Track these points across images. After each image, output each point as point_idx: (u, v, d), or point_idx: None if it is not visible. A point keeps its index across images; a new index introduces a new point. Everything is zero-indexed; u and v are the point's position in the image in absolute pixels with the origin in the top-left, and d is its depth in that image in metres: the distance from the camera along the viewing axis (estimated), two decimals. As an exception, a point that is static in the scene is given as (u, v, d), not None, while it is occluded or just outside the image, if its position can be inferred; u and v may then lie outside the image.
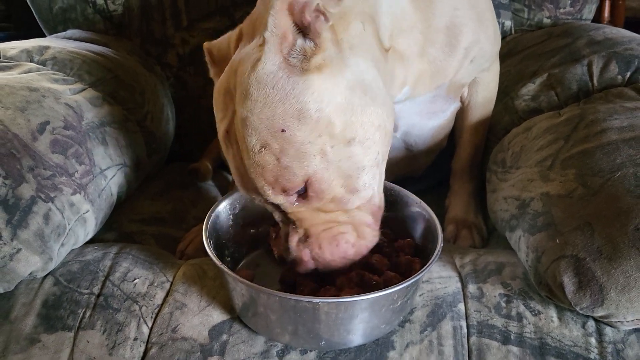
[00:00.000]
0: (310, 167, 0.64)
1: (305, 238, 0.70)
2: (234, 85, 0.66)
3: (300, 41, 0.63)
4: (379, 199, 0.73)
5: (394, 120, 0.74)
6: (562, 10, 1.27)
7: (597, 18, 2.16)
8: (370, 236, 0.72)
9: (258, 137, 0.63)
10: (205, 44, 0.79)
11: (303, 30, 0.63)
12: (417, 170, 1.09)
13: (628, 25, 1.57)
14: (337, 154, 0.65)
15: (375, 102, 0.68)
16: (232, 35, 0.76)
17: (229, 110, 0.67)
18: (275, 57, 0.63)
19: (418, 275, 0.65)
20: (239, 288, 0.67)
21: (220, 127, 0.69)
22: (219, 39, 0.79)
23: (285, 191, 0.66)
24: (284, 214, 0.71)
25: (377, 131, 0.68)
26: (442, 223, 0.91)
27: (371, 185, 0.70)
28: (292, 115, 0.63)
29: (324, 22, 0.63)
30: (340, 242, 0.70)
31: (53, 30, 1.33)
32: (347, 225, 0.70)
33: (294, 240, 0.71)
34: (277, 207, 0.70)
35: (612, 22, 2.24)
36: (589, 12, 1.29)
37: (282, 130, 0.63)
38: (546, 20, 1.28)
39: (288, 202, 0.68)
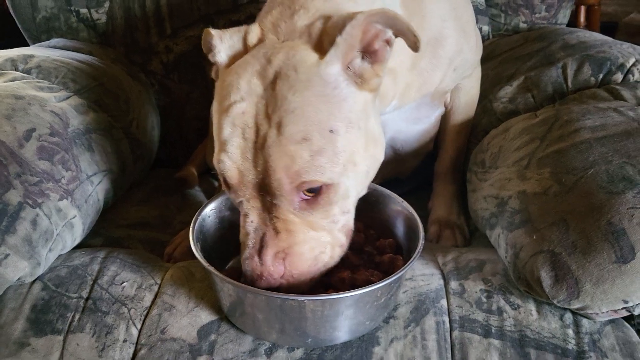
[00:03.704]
0: (335, 174, 0.66)
1: (285, 255, 0.68)
2: (273, 73, 0.66)
3: (358, 60, 0.68)
4: (352, 222, 0.74)
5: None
6: (537, 15, 1.31)
7: (574, 23, 2.20)
8: (338, 257, 0.72)
9: (304, 128, 0.63)
10: (212, 30, 0.73)
11: (364, 52, 0.68)
12: (404, 172, 1.12)
13: (604, 30, 1.61)
14: (356, 173, 0.68)
15: (383, 140, 0.74)
16: (248, 30, 0.73)
17: (252, 94, 0.66)
18: (338, 62, 0.66)
19: (400, 272, 0.67)
20: (226, 288, 0.68)
21: (234, 107, 0.66)
22: (226, 30, 0.74)
23: (300, 186, 0.65)
24: (269, 219, 0.68)
25: (376, 165, 0.73)
26: (425, 224, 0.93)
27: (352, 211, 0.73)
28: (343, 121, 0.66)
29: (390, 51, 0.68)
30: (319, 264, 0.70)
31: (36, 40, 1.34)
32: (327, 246, 0.71)
33: (269, 253, 0.68)
34: (267, 208, 0.68)
35: (588, 26, 2.30)
36: (563, 16, 1.33)
37: (331, 131, 0.65)
38: (522, 25, 1.31)
39: (292, 204, 0.67)
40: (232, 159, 0.67)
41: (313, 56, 0.67)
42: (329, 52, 0.66)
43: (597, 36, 1.13)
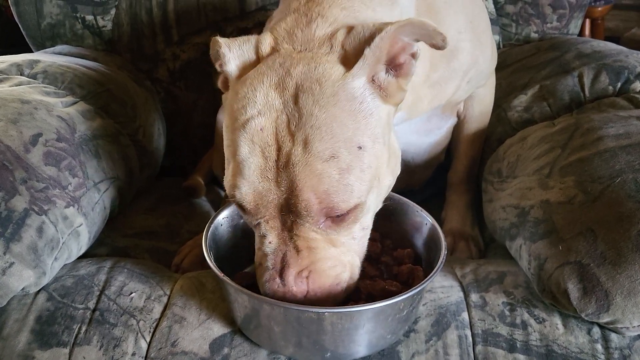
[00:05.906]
0: (363, 193, 0.63)
1: (308, 273, 0.65)
2: (294, 86, 0.63)
3: (383, 73, 0.65)
4: (368, 235, 0.71)
5: None
6: (549, 25, 1.29)
7: (579, 36, 2.20)
8: (356, 277, 0.69)
9: (332, 145, 0.60)
10: (220, 39, 0.70)
11: (388, 65, 0.65)
12: (415, 184, 1.10)
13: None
14: (379, 188, 0.66)
15: (400, 152, 0.72)
16: (260, 39, 0.70)
17: (270, 108, 0.63)
18: (364, 75, 0.64)
19: (425, 282, 0.64)
20: (241, 299, 0.65)
21: (251, 123, 0.63)
22: (235, 38, 0.71)
23: (329, 211, 0.62)
24: (289, 238, 0.65)
25: (393, 179, 0.70)
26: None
27: (370, 225, 0.70)
28: (369, 136, 0.63)
29: (415, 65, 0.66)
30: (341, 282, 0.66)
31: (41, 47, 1.32)
32: (347, 264, 0.68)
33: (292, 273, 0.64)
34: (288, 227, 0.65)
35: (593, 39, 2.29)
36: (575, 27, 1.31)
37: (359, 147, 0.62)
38: (533, 35, 1.30)
39: (317, 224, 0.64)
40: (249, 181, 0.63)
41: (337, 69, 0.64)
42: (356, 65, 0.63)
43: (612, 45, 1.11)
